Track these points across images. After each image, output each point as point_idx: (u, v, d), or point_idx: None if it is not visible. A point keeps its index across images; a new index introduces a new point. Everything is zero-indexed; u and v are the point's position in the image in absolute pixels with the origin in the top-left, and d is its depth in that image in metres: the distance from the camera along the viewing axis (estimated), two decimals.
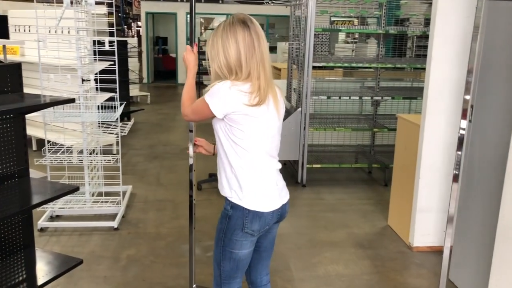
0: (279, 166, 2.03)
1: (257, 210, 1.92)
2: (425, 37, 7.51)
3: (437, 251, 3.64)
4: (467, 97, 2.12)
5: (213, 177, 5.12)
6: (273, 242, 2.17)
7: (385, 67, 5.16)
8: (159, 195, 4.84)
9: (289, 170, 5.65)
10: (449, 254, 2.08)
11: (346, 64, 5.03)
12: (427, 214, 3.65)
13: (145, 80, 13.58)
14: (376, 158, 5.51)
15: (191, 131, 2.51)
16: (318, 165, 5.12)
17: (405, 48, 8.25)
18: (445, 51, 3.39)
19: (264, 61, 1.84)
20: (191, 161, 2.54)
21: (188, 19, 14.31)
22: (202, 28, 16.15)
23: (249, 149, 1.87)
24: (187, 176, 5.37)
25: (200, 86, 10.50)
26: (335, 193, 4.96)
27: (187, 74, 2.15)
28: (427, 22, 7.05)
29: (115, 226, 3.94)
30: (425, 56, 7.89)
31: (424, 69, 5.97)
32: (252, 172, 1.91)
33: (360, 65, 5.09)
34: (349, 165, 5.31)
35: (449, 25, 3.34)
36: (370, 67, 5.27)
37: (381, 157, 5.46)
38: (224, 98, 1.81)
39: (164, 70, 15.39)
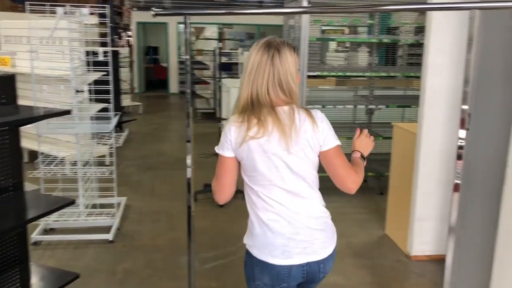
0: (308, 208, 1.69)
1: (264, 261, 1.68)
2: (416, 45, 7.59)
3: (436, 260, 3.63)
4: (465, 107, 2.11)
5: (208, 188, 5.07)
6: None
7: (379, 75, 5.18)
8: (154, 206, 4.78)
9: None
10: (451, 265, 2.06)
11: (340, 73, 5.04)
12: (425, 222, 3.64)
13: (136, 90, 13.53)
14: (371, 166, 5.50)
15: (188, 141, 2.47)
16: None
17: (397, 56, 8.31)
18: (440, 59, 3.40)
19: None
20: (189, 172, 2.49)
21: (180, 29, 14.22)
22: (194, 37, 16.14)
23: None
24: (182, 186, 5.31)
25: (193, 96, 10.50)
26: (331, 202, 4.86)
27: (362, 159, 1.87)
28: (417, 31, 7.12)
29: (110, 239, 3.88)
30: (417, 64, 7.97)
31: (416, 77, 6.05)
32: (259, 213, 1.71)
33: (355, 74, 5.10)
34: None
35: (443, 33, 3.36)
36: (364, 76, 5.28)
37: (376, 166, 5.45)
38: (224, 137, 1.74)
39: (156, 80, 15.35)
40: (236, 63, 10.79)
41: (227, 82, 7.93)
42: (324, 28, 10.82)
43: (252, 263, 1.72)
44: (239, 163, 1.71)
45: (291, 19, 5.26)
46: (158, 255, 3.72)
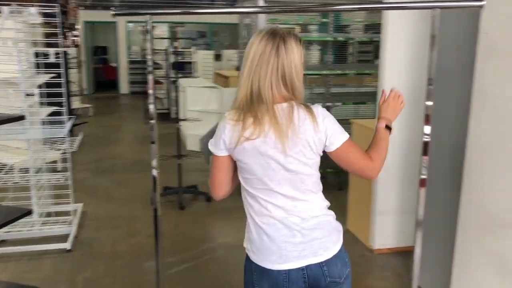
0: (306, 210, 1.59)
1: (262, 266, 1.59)
2: (366, 42, 7.77)
3: (397, 252, 3.73)
4: (429, 103, 2.16)
5: (168, 191, 4.97)
6: None
7: (335, 73, 5.26)
8: (112, 211, 4.63)
9: None
10: (419, 259, 2.10)
11: None
12: (386, 216, 3.73)
13: (85, 92, 13.09)
14: (330, 163, 5.57)
15: (153, 142, 2.38)
16: None
17: (348, 54, 8.48)
18: (396, 57, 3.48)
19: None
20: (154, 172, 2.40)
21: (130, 27, 13.88)
22: (144, 36, 15.80)
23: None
24: (140, 190, 5.24)
25: (146, 96, 10.22)
26: None
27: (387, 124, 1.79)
28: (366, 28, 7.30)
29: (68, 248, 3.72)
30: (367, 61, 8.16)
31: (368, 74, 6.20)
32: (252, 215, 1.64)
33: (312, 72, 5.15)
34: None
35: (399, 31, 3.44)
36: (320, 74, 5.35)
37: (334, 162, 5.52)
38: (219, 133, 1.65)
39: (105, 80, 14.93)
40: (190, 62, 10.65)
41: (182, 81, 7.81)
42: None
43: (250, 268, 1.62)
44: (234, 161, 1.61)
45: (247, 18, 5.24)
46: (119, 262, 3.60)
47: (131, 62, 13.90)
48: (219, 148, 1.58)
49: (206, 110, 6.94)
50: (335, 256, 1.59)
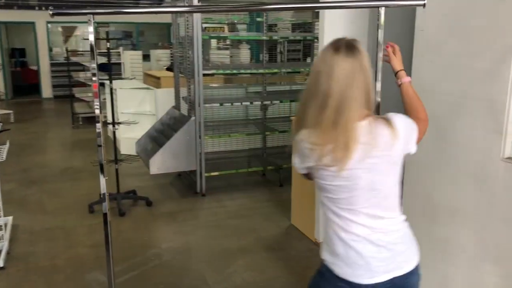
0: (389, 225, 1.57)
1: (348, 280, 1.57)
2: (295, 41, 7.94)
3: None
4: (377, 99, 2.22)
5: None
6: None
7: (271, 72, 5.32)
8: (47, 223, 4.37)
9: (184, 181, 5.52)
10: None
11: (235, 71, 5.07)
12: None
13: (2, 97, 12.24)
14: (269, 160, 5.65)
15: (100, 145, 2.25)
16: (217, 173, 5.09)
17: (277, 53, 8.63)
18: None
19: None
20: (102, 179, 2.27)
21: (49, 28, 13.17)
22: (64, 37, 15.04)
23: None
24: (74, 199, 5.00)
25: (72, 100, 9.79)
26: (235, 199, 4.96)
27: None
28: (293, 28, 7.46)
29: (1, 265, 3.45)
30: (297, 60, 8.32)
31: (298, 72, 6.34)
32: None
33: (249, 71, 5.17)
34: (245, 169, 5.35)
35: (336, 31, 3.53)
36: (257, 73, 5.39)
37: (273, 159, 5.60)
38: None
39: (25, 85, 14.02)
40: (118, 63, 10.29)
41: (113, 83, 7.52)
42: (204, 25, 10.83)
43: (332, 280, 1.58)
44: None
45: (180, 17, 5.16)
46: (59, 276, 3.40)
47: (54, 64, 13.18)
48: (301, 168, 1.57)
49: (139, 112, 6.75)
50: (416, 267, 1.61)
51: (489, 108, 2.12)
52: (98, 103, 2.08)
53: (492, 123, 2.10)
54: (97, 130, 2.11)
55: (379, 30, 1.96)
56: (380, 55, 1.97)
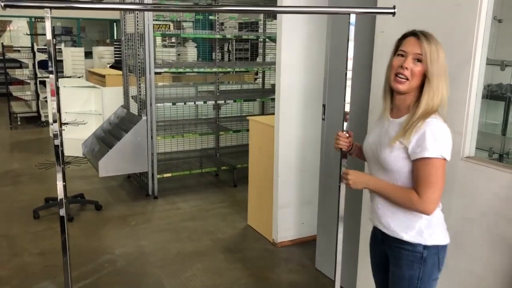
0: None
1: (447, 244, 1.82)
2: (243, 40, 7.92)
3: (299, 244, 3.87)
4: (347, 98, 2.22)
5: (51, 202, 4.53)
6: None
7: (224, 71, 5.26)
8: None
9: (135, 183, 5.35)
10: (341, 256, 2.18)
11: (188, 69, 4.96)
12: (287, 209, 3.84)
13: None
14: (222, 160, 5.59)
15: (57, 146, 2.09)
16: (169, 174, 4.96)
17: (224, 51, 8.58)
18: (291, 56, 3.59)
19: None
20: (59, 180, 2.10)
21: None
22: None
23: None
24: (15, 204, 4.71)
25: (9, 98, 9.20)
26: (189, 200, 4.87)
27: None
28: (240, 27, 7.45)
29: None
30: (244, 59, 8.30)
31: (246, 71, 6.33)
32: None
33: (202, 69, 5.08)
34: (199, 170, 5.26)
35: (293, 32, 3.55)
36: (211, 72, 5.31)
37: (227, 159, 5.55)
38: (449, 141, 1.68)
39: None
40: (60, 61, 9.81)
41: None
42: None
43: (438, 257, 1.75)
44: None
45: (130, 14, 4.98)
46: None
47: None
48: (450, 153, 1.67)
49: (85, 111, 6.47)
50: None
51: (449, 109, 2.18)
52: (55, 101, 1.93)
53: (453, 123, 2.17)
54: (54, 132, 1.97)
55: (350, 43, 1.97)
56: (348, 56, 1.98)
